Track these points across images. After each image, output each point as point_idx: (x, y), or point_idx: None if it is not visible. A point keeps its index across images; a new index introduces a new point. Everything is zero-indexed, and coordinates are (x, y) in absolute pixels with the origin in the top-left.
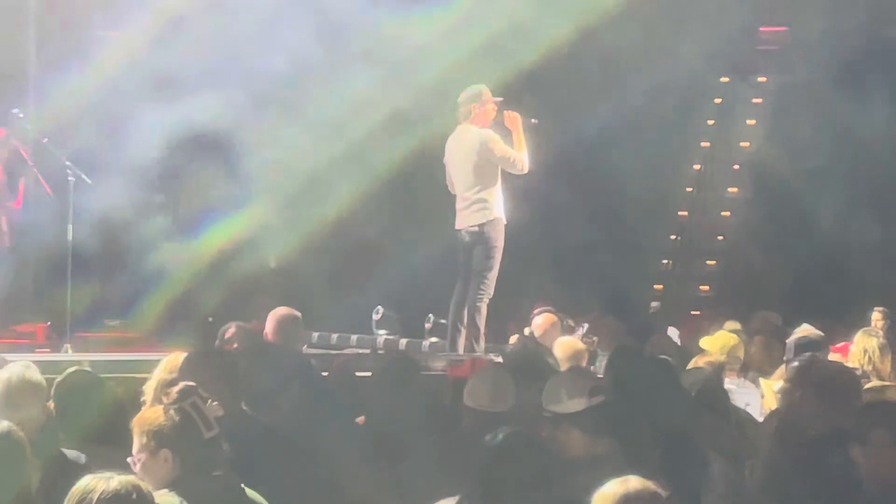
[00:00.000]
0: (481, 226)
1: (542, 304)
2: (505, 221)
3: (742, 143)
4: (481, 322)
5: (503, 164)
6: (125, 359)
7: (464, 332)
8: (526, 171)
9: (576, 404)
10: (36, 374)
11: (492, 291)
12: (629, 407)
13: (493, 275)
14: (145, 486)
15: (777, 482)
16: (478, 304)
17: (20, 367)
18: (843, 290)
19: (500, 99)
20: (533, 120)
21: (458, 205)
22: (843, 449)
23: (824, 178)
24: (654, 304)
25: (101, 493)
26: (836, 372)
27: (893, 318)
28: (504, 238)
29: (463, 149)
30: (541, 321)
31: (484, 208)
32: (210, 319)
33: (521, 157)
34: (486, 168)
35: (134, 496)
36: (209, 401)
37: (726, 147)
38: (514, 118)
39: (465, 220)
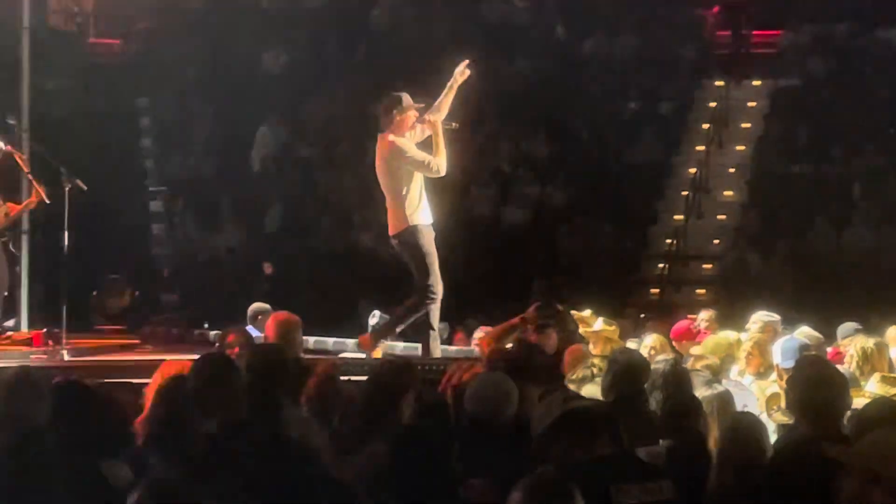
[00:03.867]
0: (400, 234)
1: (535, 307)
2: (427, 224)
3: (737, 147)
4: (435, 324)
5: (416, 168)
6: (121, 363)
7: (432, 334)
8: (442, 174)
9: None
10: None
11: (438, 294)
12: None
13: (434, 279)
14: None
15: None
16: (425, 309)
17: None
18: (840, 292)
19: (422, 105)
20: (454, 125)
21: (387, 213)
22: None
23: (819, 181)
24: (643, 315)
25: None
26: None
27: None
28: (430, 240)
29: (379, 159)
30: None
31: (402, 217)
32: (206, 325)
33: (436, 161)
34: (400, 174)
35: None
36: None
37: (721, 150)
38: (433, 123)
39: (391, 229)
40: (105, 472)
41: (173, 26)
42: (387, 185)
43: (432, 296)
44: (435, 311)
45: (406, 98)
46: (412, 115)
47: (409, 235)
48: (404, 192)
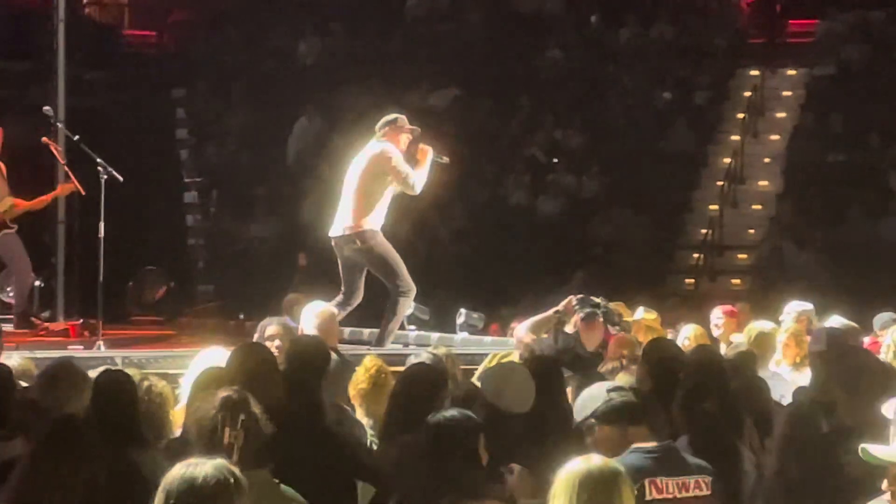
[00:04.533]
0: (359, 235)
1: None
2: (378, 231)
3: (772, 136)
4: (396, 324)
5: (395, 176)
6: (158, 355)
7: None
8: (417, 192)
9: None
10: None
11: (411, 288)
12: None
13: (402, 276)
14: (236, 468)
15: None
16: (399, 306)
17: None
18: (875, 282)
19: (417, 129)
20: (444, 158)
21: (337, 213)
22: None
23: (854, 170)
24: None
25: (202, 479)
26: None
27: None
28: (384, 241)
29: (361, 156)
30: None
31: (363, 219)
32: (241, 316)
33: (415, 176)
34: (376, 178)
35: (231, 480)
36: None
37: (756, 140)
38: (425, 150)
39: (337, 230)
40: (139, 461)
41: (209, 17)
42: (360, 187)
43: (405, 291)
44: (404, 305)
45: (402, 119)
46: (405, 137)
47: (367, 239)
48: (371, 198)
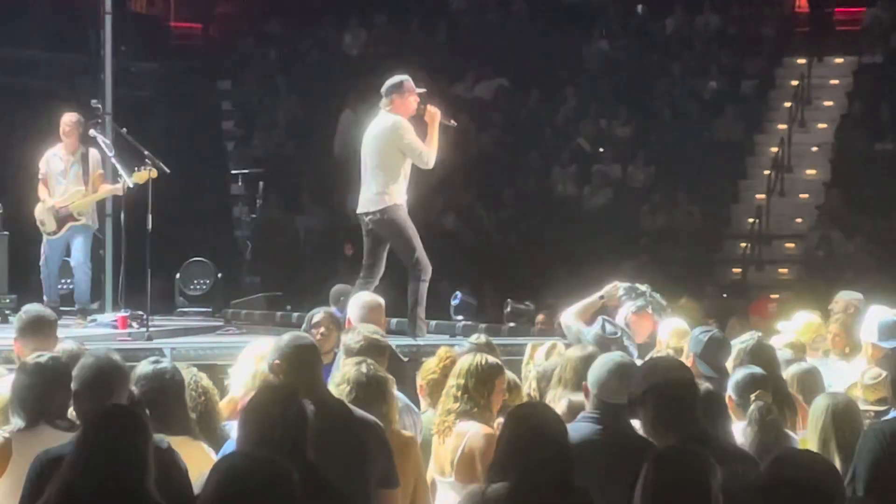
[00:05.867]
0: (382, 212)
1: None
2: (403, 204)
3: (820, 125)
4: (422, 309)
5: (409, 153)
6: (206, 346)
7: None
8: (430, 167)
9: None
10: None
11: (427, 268)
12: None
13: (420, 254)
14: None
15: None
16: (419, 290)
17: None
18: None
19: (423, 90)
20: (451, 122)
21: (362, 190)
22: None
23: None
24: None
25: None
26: None
27: None
28: (408, 217)
29: (374, 132)
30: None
31: (384, 194)
32: (288, 307)
33: (428, 152)
34: (392, 154)
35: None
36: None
37: (804, 129)
38: (433, 113)
39: (364, 206)
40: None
41: (254, 9)
42: (375, 163)
43: (421, 271)
44: (423, 291)
45: (408, 82)
46: (413, 99)
47: (392, 213)
48: (392, 172)
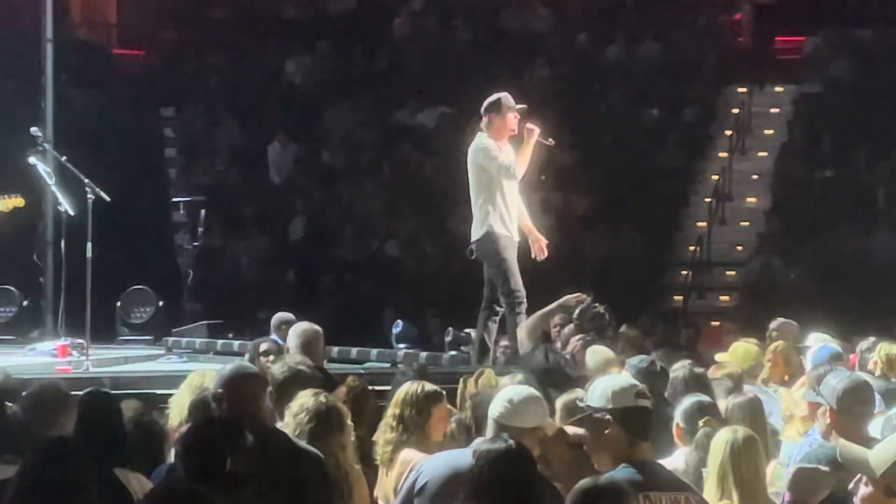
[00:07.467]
0: (478, 242)
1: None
2: (502, 233)
3: (760, 153)
4: (506, 338)
5: (495, 168)
6: (146, 375)
7: (491, 346)
8: (518, 178)
9: None
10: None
11: (523, 298)
12: None
13: (515, 283)
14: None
15: None
16: (511, 322)
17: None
18: (864, 299)
19: (524, 106)
20: (550, 140)
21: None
22: None
23: (842, 187)
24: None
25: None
26: None
27: None
28: (506, 246)
29: (468, 157)
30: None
31: (481, 222)
32: (230, 335)
33: (511, 164)
34: (480, 177)
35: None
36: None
37: (744, 157)
38: (531, 130)
39: (472, 235)
40: (124, 480)
41: (197, 36)
42: (472, 188)
43: (518, 300)
44: (519, 319)
45: (506, 99)
46: (512, 116)
47: (486, 243)
48: (488, 194)
